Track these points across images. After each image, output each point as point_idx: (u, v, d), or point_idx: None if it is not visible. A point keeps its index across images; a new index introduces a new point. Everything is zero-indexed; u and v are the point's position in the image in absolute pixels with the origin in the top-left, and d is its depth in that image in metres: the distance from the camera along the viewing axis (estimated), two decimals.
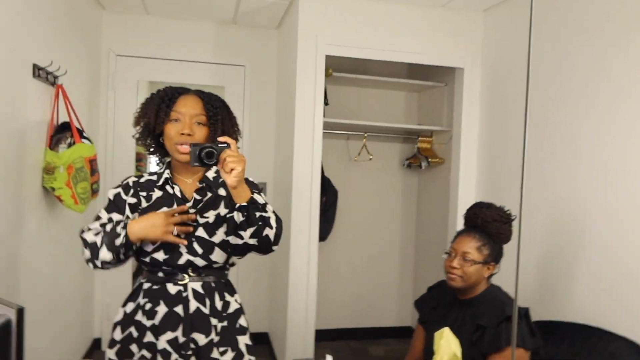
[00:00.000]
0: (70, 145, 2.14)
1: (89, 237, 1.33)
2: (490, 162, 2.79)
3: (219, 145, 1.23)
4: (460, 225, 2.82)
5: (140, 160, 3.47)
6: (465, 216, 1.79)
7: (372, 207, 3.66)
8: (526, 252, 2.38)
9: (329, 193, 3.30)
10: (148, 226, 1.29)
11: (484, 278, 1.72)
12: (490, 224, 1.70)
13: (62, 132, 2.18)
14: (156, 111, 1.37)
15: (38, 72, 2.03)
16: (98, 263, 1.32)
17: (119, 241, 1.29)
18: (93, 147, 2.25)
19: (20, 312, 0.58)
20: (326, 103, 3.16)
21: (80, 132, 2.20)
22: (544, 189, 2.32)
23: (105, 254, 1.30)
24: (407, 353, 1.94)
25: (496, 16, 2.78)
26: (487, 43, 2.86)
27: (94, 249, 1.31)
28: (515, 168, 2.56)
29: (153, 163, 3.96)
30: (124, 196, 1.43)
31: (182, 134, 1.34)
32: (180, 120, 1.37)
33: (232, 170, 1.17)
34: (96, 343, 3.26)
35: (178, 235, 1.34)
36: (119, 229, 1.30)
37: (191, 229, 1.36)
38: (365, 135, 3.39)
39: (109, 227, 1.33)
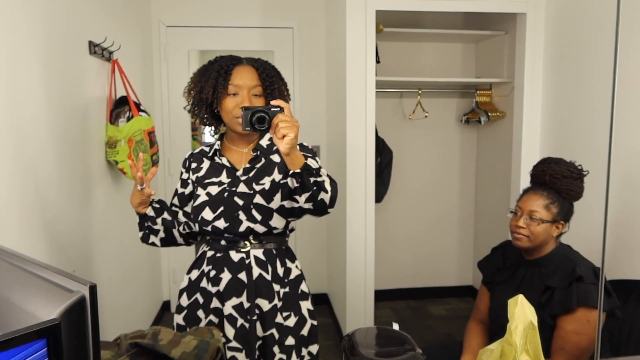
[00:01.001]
0: (129, 119, 2.20)
1: None
2: (555, 114, 2.61)
3: (272, 109, 1.19)
4: (524, 183, 2.71)
5: (195, 129, 3.54)
6: (532, 173, 1.69)
7: (428, 166, 3.57)
8: (598, 208, 2.23)
9: (383, 154, 3.24)
10: (132, 194, 1.39)
11: (553, 237, 1.63)
12: (559, 181, 1.60)
13: (120, 107, 2.24)
14: (213, 86, 1.36)
15: (94, 48, 2.08)
16: (143, 242, 1.51)
17: (138, 220, 1.45)
18: (150, 119, 2.30)
19: (92, 289, 0.59)
20: (377, 61, 3.06)
21: (138, 106, 2.25)
22: (617, 141, 2.15)
23: (138, 233, 1.48)
24: (471, 313, 1.90)
25: None
26: None
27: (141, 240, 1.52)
28: (583, 120, 2.38)
29: (208, 132, 4.04)
30: (182, 171, 1.51)
31: (241, 107, 1.33)
32: (238, 94, 1.36)
33: (284, 136, 1.13)
34: (165, 305, 3.45)
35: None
36: None
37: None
38: (420, 92, 3.26)
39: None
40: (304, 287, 1.49)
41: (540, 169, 1.65)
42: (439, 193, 3.60)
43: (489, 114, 3.12)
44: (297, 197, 1.23)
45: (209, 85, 1.37)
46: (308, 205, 1.24)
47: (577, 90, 2.44)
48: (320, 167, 1.28)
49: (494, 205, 3.32)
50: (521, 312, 0.83)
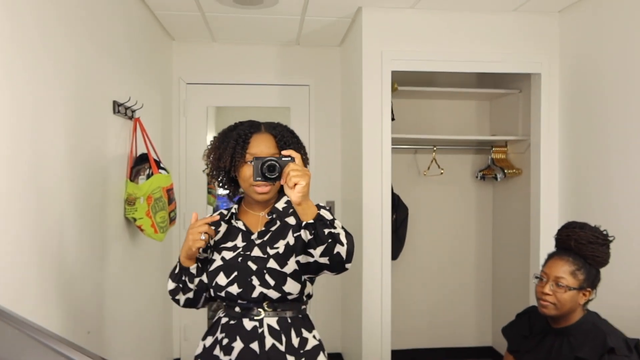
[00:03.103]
0: (148, 176, 2.22)
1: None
2: (573, 172, 2.59)
3: (282, 158, 1.19)
4: (544, 242, 2.67)
5: (210, 182, 3.56)
6: (556, 237, 1.66)
7: (444, 223, 3.53)
8: (629, 275, 2.17)
9: (399, 210, 3.21)
10: (185, 243, 1.34)
11: (580, 305, 1.57)
12: (585, 246, 1.56)
13: (140, 164, 2.27)
14: (231, 154, 1.37)
15: (118, 108, 2.13)
16: (170, 295, 1.43)
17: (176, 270, 1.40)
18: (169, 176, 2.32)
19: None
20: (392, 118, 3.10)
21: (158, 163, 2.28)
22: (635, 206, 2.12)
23: (169, 284, 1.41)
24: None
25: (573, 16, 2.60)
26: (564, 45, 2.68)
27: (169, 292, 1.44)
28: (602, 179, 2.36)
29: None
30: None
31: (250, 162, 1.34)
32: None
33: (295, 185, 1.12)
34: None
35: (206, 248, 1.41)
36: None
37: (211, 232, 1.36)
38: (435, 148, 3.28)
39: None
40: (321, 358, 1.42)
41: (565, 233, 1.62)
42: (455, 250, 3.54)
43: (505, 170, 3.11)
44: (311, 250, 1.19)
45: (227, 154, 1.38)
46: (324, 260, 1.20)
47: (594, 147, 2.43)
48: (334, 219, 1.24)
49: (512, 264, 3.24)
50: None
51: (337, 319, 3.47)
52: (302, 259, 1.24)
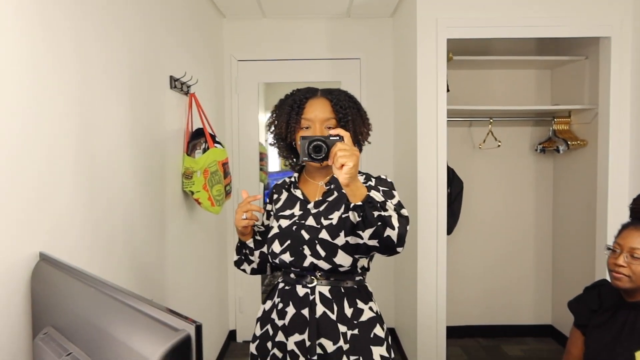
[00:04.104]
0: (204, 150, 2.26)
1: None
2: None
3: (330, 138, 1.15)
4: (612, 215, 2.52)
5: (262, 159, 3.60)
6: (631, 207, 1.55)
7: (500, 197, 3.41)
8: None
9: (453, 184, 3.13)
10: (235, 222, 1.38)
11: None
12: None
13: (197, 138, 2.31)
14: (287, 120, 1.37)
15: (174, 83, 2.17)
16: (235, 266, 1.52)
17: (237, 244, 1.47)
18: (225, 151, 2.35)
19: (198, 328, 0.58)
20: (447, 89, 3.00)
21: (213, 137, 2.31)
22: None
23: (234, 256, 1.51)
24: (562, 357, 1.74)
25: None
26: (638, 5, 2.48)
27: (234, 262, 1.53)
28: None
29: (271, 161, 4.09)
30: (267, 202, 1.53)
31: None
32: (311, 127, 1.35)
33: (342, 165, 1.07)
34: (231, 334, 3.46)
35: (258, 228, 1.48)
36: None
37: (257, 214, 1.37)
38: (491, 120, 3.15)
39: None
40: (378, 331, 1.38)
41: None
42: (512, 225, 3.42)
43: (569, 142, 2.95)
44: (360, 232, 1.14)
45: (282, 120, 1.38)
46: (373, 243, 1.15)
47: None
48: (386, 201, 1.19)
49: (575, 239, 3.10)
50: None
51: (390, 293, 3.45)
52: (351, 240, 1.21)
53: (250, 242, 1.44)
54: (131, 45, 1.73)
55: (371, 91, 3.37)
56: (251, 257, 1.46)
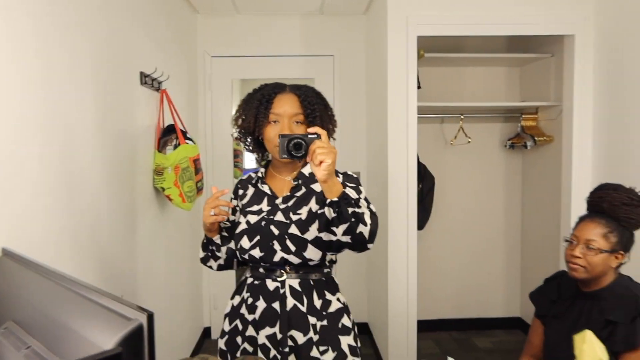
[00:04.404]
0: (176, 146, 2.25)
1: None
2: (609, 138, 2.51)
3: (309, 136, 1.19)
4: (575, 209, 2.61)
5: (237, 156, 3.60)
6: (588, 200, 1.61)
7: (472, 192, 3.48)
8: None
9: (425, 180, 3.19)
10: (203, 219, 1.38)
11: (612, 268, 1.54)
12: (618, 208, 1.52)
13: (168, 135, 2.30)
14: (255, 115, 1.38)
15: (144, 79, 2.16)
16: (202, 263, 1.52)
17: (204, 239, 1.46)
18: (196, 147, 2.35)
19: (150, 317, 0.59)
20: (418, 86, 3.05)
21: (184, 134, 2.31)
22: None
23: (200, 252, 1.50)
24: (523, 348, 1.80)
25: None
26: (600, 4, 2.56)
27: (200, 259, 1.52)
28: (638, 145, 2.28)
29: (247, 158, 4.10)
30: (232, 197, 1.54)
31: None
32: (279, 122, 1.37)
33: (321, 162, 1.12)
34: (206, 332, 3.46)
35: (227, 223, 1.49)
36: None
37: (225, 210, 1.37)
38: (462, 117, 3.21)
39: None
40: (345, 321, 1.42)
41: (597, 195, 1.58)
42: (483, 220, 3.50)
43: (536, 138, 3.03)
44: (334, 228, 1.19)
45: (250, 114, 1.39)
46: (346, 239, 1.20)
47: (631, 112, 2.34)
48: (360, 198, 1.25)
49: (542, 233, 3.19)
50: (590, 349, 0.77)
51: (363, 289, 3.50)
52: (325, 236, 1.24)
53: (217, 239, 1.44)
54: (99, 42, 1.72)
55: (344, 88, 3.40)
56: (218, 254, 1.46)
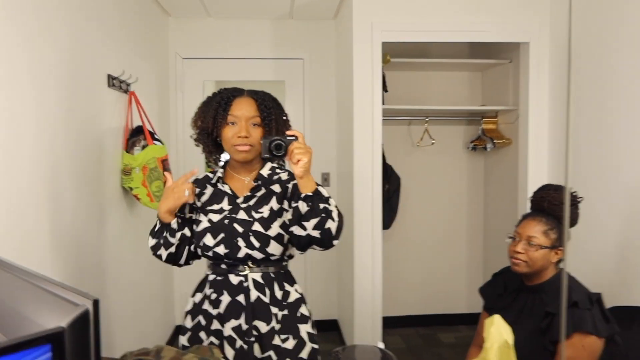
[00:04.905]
0: (144, 147, 2.30)
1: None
2: (562, 141, 2.64)
3: (288, 138, 1.34)
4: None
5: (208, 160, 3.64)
6: (531, 199, 1.73)
7: (436, 193, 3.60)
8: (600, 234, 2.24)
9: (391, 180, 3.29)
10: (164, 199, 1.39)
11: (552, 263, 1.65)
12: (558, 207, 1.63)
13: (136, 136, 2.35)
14: (214, 116, 1.45)
15: (112, 81, 2.20)
16: (152, 252, 1.48)
17: (156, 227, 1.45)
18: (164, 147, 2.40)
19: (96, 302, 0.65)
20: (385, 90, 3.15)
21: (152, 135, 2.36)
22: (619, 166, 2.17)
23: (150, 240, 1.47)
24: (473, 339, 1.91)
25: None
26: (555, 14, 2.69)
27: (150, 248, 1.49)
28: (590, 147, 2.41)
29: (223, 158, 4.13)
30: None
31: (239, 136, 1.42)
32: (237, 124, 1.44)
33: (299, 161, 1.27)
34: (178, 329, 3.49)
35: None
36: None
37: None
38: (427, 119, 3.33)
39: None
40: (303, 310, 1.52)
41: (539, 195, 1.69)
42: (447, 219, 3.63)
43: (495, 141, 3.17)
44: (305, 223, 1.31)
45: (209, 115, 1.46)
46: (315, 233, 1.31)
47: (581, 116, 2.47)
48: (330, 197, 1.36)
49: (502, 231, 3.30)
50: (496, 331, 0.86)
51: (333, 287, 3.58)
52: (296, 230, 1.34)
53: (174, 223, 1.43)
54: (64, 45, 1.76)
55: (314, 90, 3.48)
56: (172, 240, 1.44)
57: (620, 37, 2.17)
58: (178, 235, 1.45)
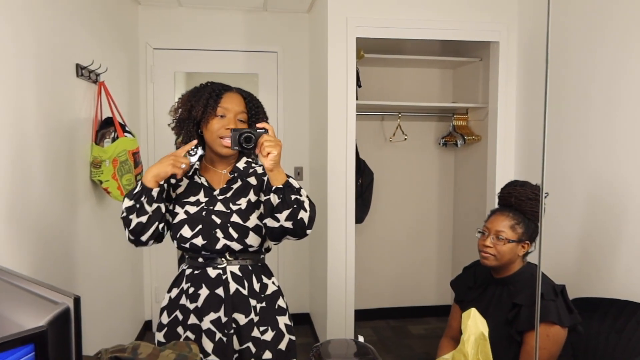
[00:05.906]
0: (114, 139, 2.25)
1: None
2: (528, 138, 2.73)
3: (257, 130, 1.34)
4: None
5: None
6: (499, 195, 1.78)
7: (408, 188, 3.66)
8: (564, 228, 2.34)
9: (364, 175, 3.32)
10: (158, 164, 1.34)
11: (519, 257, 1.71)
12: (524, 202, 1.69)
13: (106, 127, 2.29)
14: (204, 105, 1.44)
15: (81, 71, 2.14)
16: (124, 214, 1.38)
17: (136, 189, 1.36)
18: (135, 140, 2.35)
19: (77, 300, 0.65)
20: (359, 85, 3.17)
21: (123, 127, 2.31)
22: (581, 162, 2.26)
23: (125, 202, 1.38)
24: (445, 331, 1.96)
25: None
26: (523, 14, 2.77)
27: (122, 211, 1.40)
28: (556, 143, 2.50)
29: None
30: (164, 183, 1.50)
31: (227, 129, 1.42)
32: (226, 116, 1.44)
33: (268, 154, 1.27)
34: (147, 325, 3.45)
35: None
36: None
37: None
38: (400, 115, 3.37)
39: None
40: (281, 302, 1.54)
41: (506, 191, 1.75)
42: (418, 213, 3.70)
43: (465, 137, 3.24)
44: (278, 214, 1.32)
45: (200, 105, 1.44)
46: (288, 224, 1.33)
47: (549, 114, 2.55)
48: (300, 187, 1.37)
49: (471, 226, 3.41)
50: (473, 324, 0.90)
51: (305, 280, 3.60)
52: (269, 222, 1.35)
53: (155, 192, 1.37)
54: (29, 33, 1.70)
55: (288, 84, 3.47)
56: (147, 208, 1.37)
57: (583, 36, 2.25)
58: (154, 205, 1.37)
